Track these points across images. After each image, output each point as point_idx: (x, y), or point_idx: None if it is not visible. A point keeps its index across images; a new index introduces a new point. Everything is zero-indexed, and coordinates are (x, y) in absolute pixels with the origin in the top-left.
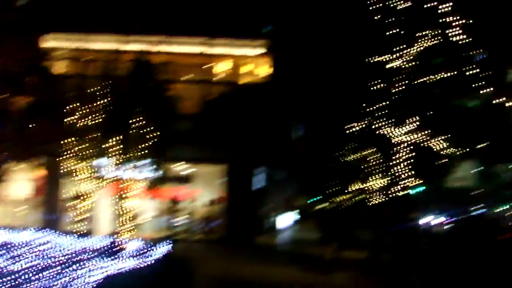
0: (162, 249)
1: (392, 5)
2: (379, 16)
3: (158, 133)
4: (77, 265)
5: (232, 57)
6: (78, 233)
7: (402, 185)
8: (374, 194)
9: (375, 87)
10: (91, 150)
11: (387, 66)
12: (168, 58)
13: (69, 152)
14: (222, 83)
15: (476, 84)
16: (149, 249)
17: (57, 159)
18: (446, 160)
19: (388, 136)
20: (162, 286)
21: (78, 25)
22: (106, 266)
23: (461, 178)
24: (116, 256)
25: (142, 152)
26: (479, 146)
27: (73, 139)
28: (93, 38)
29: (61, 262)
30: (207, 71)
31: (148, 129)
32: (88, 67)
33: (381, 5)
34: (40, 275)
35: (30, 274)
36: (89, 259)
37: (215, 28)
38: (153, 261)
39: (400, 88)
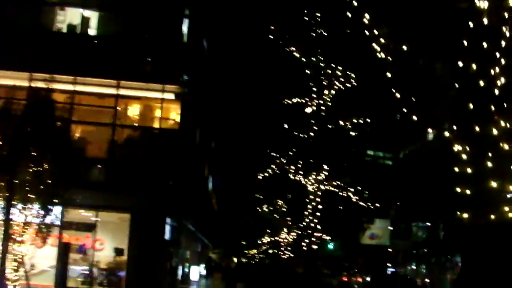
0: None
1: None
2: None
3: (55, 175)
4: None
5: (143, 101)
6: None
7: (311, 241)
8: (285, 248)
9: (288, 132)
10: None
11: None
12: (75, 98)
13: None
14: (132, 127)
15: (393, 139)
16: None
17: None
18: (361, 215)
19: (300, 185)
20: None
21: None
22: None
23: (376, 236)
24: None
25: (37, 194)
26: (394, 203)
27: None
28: None
29: None
30: (117, 114)
31: (44, 170)
32: None
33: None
34: None
35: None
36: None
37: (126, 71)
38: None
39: (313, 134)
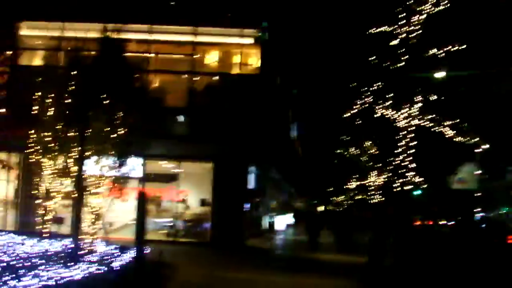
0: (134, 253)
1: None
2: None
3: (132, 125)
4: (36, 269)
5: (221, 47)
6: (43, 235)
7: (404, 182)
8: (375, 192)
9: (373, 65)
10: (58, 144)
11: (385, 41)
12: (151, 47)
13: (36, 146)
14: (211, 74)
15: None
16: (119, 252)
17: (25, 155)
18: (452, 154)
19: (388, 123)
20: None
21: (56, 13)
22: (68, 271)
23: (463, 180)
24: (81, 260)
25: (116, 147)
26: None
27: (38, 132)
28: (71, 26)
29: (18, 266)
30: (195, 62)
31: (119, 120)
32: (61, 56)
33: None
34: None
35: None
36: (49, 263)
37: (204, 17)
38: (122, 266)
39: (400, 65)
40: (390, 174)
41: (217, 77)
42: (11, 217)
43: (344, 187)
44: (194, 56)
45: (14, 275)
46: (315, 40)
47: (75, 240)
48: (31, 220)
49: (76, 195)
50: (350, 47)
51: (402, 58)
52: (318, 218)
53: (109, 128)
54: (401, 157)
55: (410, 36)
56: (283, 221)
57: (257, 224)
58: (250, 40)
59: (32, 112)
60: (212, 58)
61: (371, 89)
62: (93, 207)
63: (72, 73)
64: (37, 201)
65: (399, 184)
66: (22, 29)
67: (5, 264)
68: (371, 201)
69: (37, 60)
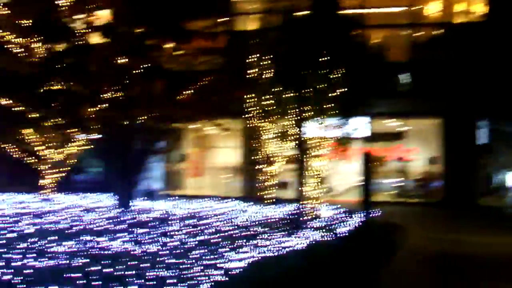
0: (361, 217)
1: None
2: None
3: (357, 84)
4: (256, 239)
5: None
6: (267, 201)
7: None
8: None
9: None
10: (276, 107)
11: None
12: (370, 2)
13: (255, 110)
14: (433, 25)
15: None
16: (344, 217)
17: (246, 120)
18: None
19: None
20: (358, 261)
21: None
22: (290, 239)
23: None
24: (304, 227)
25: (336, 107)
26: None
27: (257, 95)
28: None
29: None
30: (415, 14)
31: (337, 79)
32: (274, 18)
33: None
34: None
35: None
36: (271, 231)
37: None
38: (348, 232)
39: None
40: None
41: (440, 28)
42: (237, 184)
43: None
44: (413, 8)
45: (233, 246)
46: None
47: (298, 205)
48: (255, 186)
49: (298, 158)
50: None
51: None
52: None
53: (328, 87)
54: None
55: None
56: None
57: (489, 182)
58: None
59: (250, 76)
60: (433, 8)
61: None
62: (315, 170)
63: (287, 33)
64: (259, 167)
65: None
66: None
67: (225, 233)
68: None
69: (251, 25)
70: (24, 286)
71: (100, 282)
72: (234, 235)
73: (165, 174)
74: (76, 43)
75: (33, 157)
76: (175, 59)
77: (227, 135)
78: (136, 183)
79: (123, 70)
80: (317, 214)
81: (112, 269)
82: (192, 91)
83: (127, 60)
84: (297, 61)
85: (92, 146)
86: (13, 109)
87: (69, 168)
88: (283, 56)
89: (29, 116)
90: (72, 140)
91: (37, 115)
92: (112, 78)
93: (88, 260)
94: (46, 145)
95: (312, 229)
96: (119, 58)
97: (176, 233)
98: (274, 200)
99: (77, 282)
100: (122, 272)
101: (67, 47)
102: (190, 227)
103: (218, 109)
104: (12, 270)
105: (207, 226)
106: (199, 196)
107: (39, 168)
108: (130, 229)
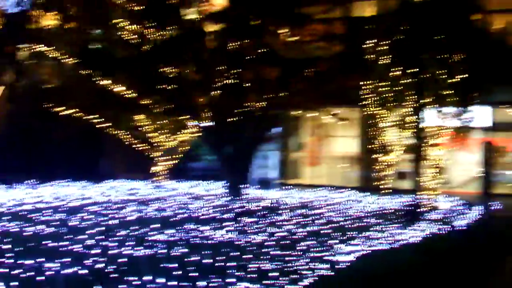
0: (481, 210)
1: None
2: None
3: (478, 71)
4: (368, 231)
5: None
6: (384, 191)
7: None
8: None
9: None
10: (393, 94)
11: None
12: None
13: (371, 98)
14: None
15: None
16: (463, 209)
17: (363, 107)
18: None
19: None
20: (476, 257)
21: None
22: (405, 231)
23: None
24: (420, 219)
25: (456, 94)
26: None
27: (373, 82)
28: None
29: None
30: None
31: (463, 66)
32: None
33: None
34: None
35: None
36: (385, 223)
37: None
38: (467, 225)
39: None
40: None
41: None
42: (354, 174)
43: None
44: None
45: (343, 237)
46: None
47: (414, 196)
48: (371, 176)
49: (415, 147)
50: None
51: None
52: None
53: (447, 74)
54: None
55: None
56: None
57: None
58: None
59: (366, 62)
60: None
61: None
62: (433, 160)
63: (404, 18)
64: (376, 156)
65: None
66: None
67: (336, 224)
68: None
69: (368, 10)
70: (117, 276)
71: (197, 274)
72: (345, 226)
73: (281, 162)
74: (190, 28)
75: (146, 144)
76: (290, 45)
77: (345, 124)
78: (247, 171)
79: (237, 56)
80: (434, 206)
81: (211, 260)
82: (307, 78)
83: (241, 46)
84: (415, 46)
85: (203, 134)
86: (125, 95)
87: (182, 155)
88: (400, 41)
89: (141, 102)
90: (185, 127)
91: (149, 101)
92: (225, 64)
93: (187, 250)
94: (158, 131)
95: (429, 221)
96: (233, 44)
97: (285, 223)
98: (390, 190)
99: (173, 273)
100: (222, 264)
101: (180, 33)
102: (300, 217)
103: (334, 97)
104: (106, 259)
105: (318, 216)
106: (315, 186)
107: (152, 155)
108: (237, 218)
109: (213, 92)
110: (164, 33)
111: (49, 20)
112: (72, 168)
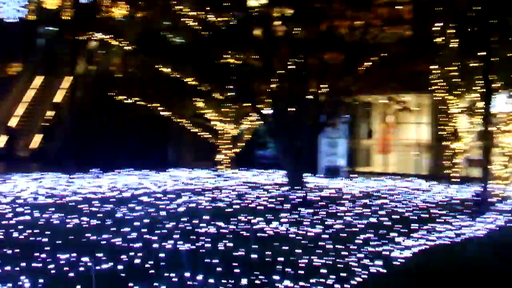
0: None
1: None
2: None
3: None
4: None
5: None
6: (453, 180)
7: None
8: None
9: None
10: (462, 78)
11: None
12: None
13: (440, 83)
14: None
15: None
16: None
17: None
18: None
19: None
20: None
21: None
22: (472, 223)
23: None
24: (489, 209)
25: None
26: None
27: (442, 67)
28: None
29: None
30: None
31: None
32: None
33: None
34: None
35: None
36: (451, 214)
37: None
38: None
39: None
40: None
41: None
42: (424, 161)
43: None
44: None
45: (405, 230)
46: None
47: (484, 185)
48: (441, 164)
49: (486, 134)
50: None
51: None
52: None
53: None
54: None
55: None
56: None
57: None
58: None
59: (434, 46)
60: None
61: None
62: (505, 147)
63: None
64: (446, 143)
65: None
66: None
67: (399, 216)
68: None
69: None
70: (153, 272)
71: (240, 270)
72: (408, 218)
73: (350, 150)
74: (253, 13)
75: (209, 132)
76: (355, 29)
77: (415, 111)
78: (309, 160)
79: (301, 42)
80: (506, 196)
81: (257, 255)
82: (372, 63)
83: (307, 30)
84: (484, 28)
85: (265, 121)
86: (187, 82)
87: (246, 143)
88: (469, 23)
89: (202, 89)
90: (247, 114)
91: (210, 88)
92: (288, 50)
93: (232, 244)
94: (221, 119)
95: (499, 212)
96: (297, 28)
97: (344, 214)
98: (460, 179)
99: (216, 269)
100: (270, 259)
101: (242, 19)
102: (361, 207)
103: (402, 83)
104: (143, 254)
105: (380, 207)
106: (385, 174)
107: (216, 143)
108: (293, 209)
109: (275, 79)
110: (228, 19)
111: (118, 10)
112: (140, 157)
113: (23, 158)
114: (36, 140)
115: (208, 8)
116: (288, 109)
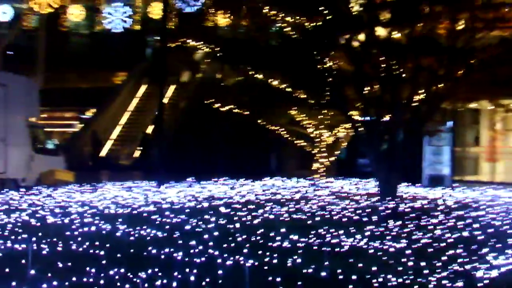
0: None
1: None
2: None
3: None
4: None
5: None
6: None
7: None
8: None
9: None
10: None
11: None
12: None
13: None
14: None
15: None
16: None
17: None
18: None
19: None
20: None
21: None
22: None
23: None
24: None
25: None
26: None
27: None
28: None
29: None
30: None
31: None
32: None
33: None
34: None
35: None
36: None
37: None
38: None
39: None
40: None
41: None
42: None
43: None
44: None
45: (497, 246)
46: None
47: None
48: None
49: None
50: None
51: None
52: None
53: None
54: None
55: None
56: None
57: None
58: None
59: None
60: None
61: None
62: None
63: None
64: None
65: None
66: None
67: (492, 229)
68: None
69: None
70: None
71: None
72: (505, 232)
73: (454, 158)
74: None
75: (305, 140)
76: (453, 32)
77: None
78: (404, 168)
79: (396, 46)
80: None
81: (327, 272)
82: (473, 67)
83: (409, 34)
84: None
85: (356, 128)
86: (280, 89)
87: (342, 151)
88: None
89: (296, 96)
90: (342, 121)
91: (303, 95)
92: (383, 55)
93: (301, 260)
94: (315, 126)
95: None
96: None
97: (434, 227)
98: None
99: None
100: (341, 277)
101: (328, 22)
102: (454, 220)
103: (506, 87)
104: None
105: (475, 220)
106: (492, 183)
107: (313, 151)
108: (381, 221)
109: (368, 85)
110: (319, 23)
111: (222, 19)
112: (242, 165)
113: (126, 166)
114: (139, 149)
115: (302, 13)
116: (381, 116)
